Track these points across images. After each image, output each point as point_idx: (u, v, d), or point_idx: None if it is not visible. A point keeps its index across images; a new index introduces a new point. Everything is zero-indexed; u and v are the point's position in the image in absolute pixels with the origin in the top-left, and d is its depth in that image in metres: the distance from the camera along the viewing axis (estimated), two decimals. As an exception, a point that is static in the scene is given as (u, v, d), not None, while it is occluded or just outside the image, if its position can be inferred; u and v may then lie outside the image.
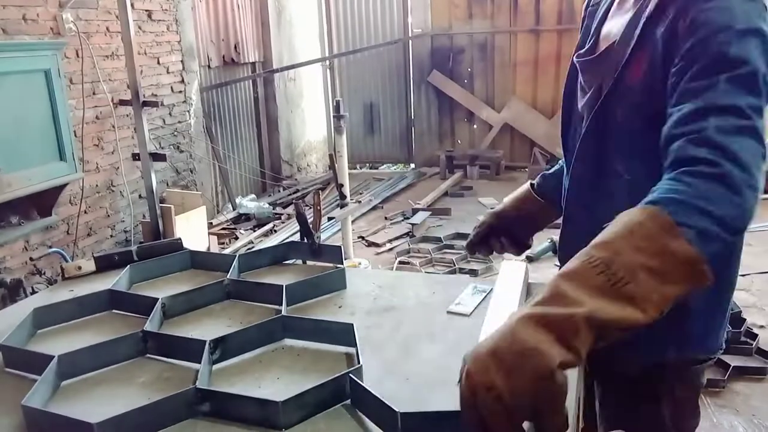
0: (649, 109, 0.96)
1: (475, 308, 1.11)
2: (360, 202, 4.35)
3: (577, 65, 1.14)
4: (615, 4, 1.13)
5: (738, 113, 0.83)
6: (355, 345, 0.94)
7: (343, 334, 0.97)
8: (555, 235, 4.92)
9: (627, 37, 1.01)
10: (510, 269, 1.17)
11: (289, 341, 1.02)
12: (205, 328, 1.07)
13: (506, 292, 1.08)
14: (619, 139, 1.03)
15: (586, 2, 1.24)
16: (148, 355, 0.99)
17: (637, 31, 0.99)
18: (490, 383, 0.66)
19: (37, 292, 2.97)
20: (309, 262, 1.37)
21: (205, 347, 0.92)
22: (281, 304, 1.09)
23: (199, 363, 0.90)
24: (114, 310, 1.16)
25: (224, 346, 0.96)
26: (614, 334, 0.72)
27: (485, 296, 1.14)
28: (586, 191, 1.11)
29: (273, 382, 0.90)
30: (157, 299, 1.10)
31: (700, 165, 0.80)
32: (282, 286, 1.13)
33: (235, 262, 1.27)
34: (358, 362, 0.88)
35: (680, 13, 0.91)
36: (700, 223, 0.76)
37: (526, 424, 0.66)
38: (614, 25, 1.09)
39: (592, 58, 1.10)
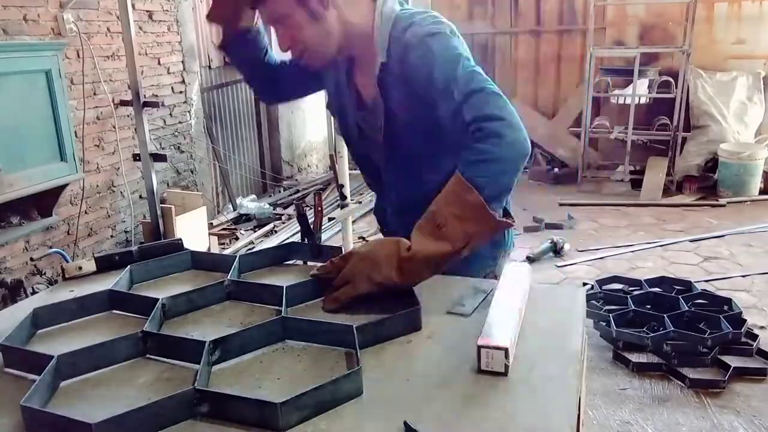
0: (420, 122, 1.31)
1: (476, 309, 1.11)
2: (361, 202, 4.35)
3: (359, 118, 1.43)
4: (355, 63, 1.40)
5: (487, 119, 1.14)
6: (355, 346, 0.94)
7: (344, 335, 0.97)
8: (555, 236, 4.89)
9: (380, 84, 1.31)
10: (512, 270, 1.17)
11: (289, 342, 1.02)
12: (206, 328, 1.07)
13: (507, 293, 1.08)
14: (412, 143, 1.36)
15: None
16: (148, 356, 0.99)
17: (383, 77, 1.29)
18: (359, 267, 1.13)
19: (37, 292, 2.97)
20: (310, 263, 1.37)
21: (204, 348, 0.92)
22: (282, 305, 1.09)
23: (200, 364, 0.90)
24: (114, 311, 1.16)
25: (224, 347, 0.96)
26: (441, 263, 1.11)
27: (486, 297, 1.14)
28: (401, 181, 1.45)
29: (273, 382, 0.90)
30: (158, 300, 1.09)
31: (477, 143, 1.14)
32: (282, 287, 1.13)
33: (235, 263, 1.27)
34: (358, 363, 0.88)
35: (402, 59, 1.24)
36: (485, 170, 1.12)
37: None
38: (367, 79, 1.36)
39: (369, 110, 1.39)
